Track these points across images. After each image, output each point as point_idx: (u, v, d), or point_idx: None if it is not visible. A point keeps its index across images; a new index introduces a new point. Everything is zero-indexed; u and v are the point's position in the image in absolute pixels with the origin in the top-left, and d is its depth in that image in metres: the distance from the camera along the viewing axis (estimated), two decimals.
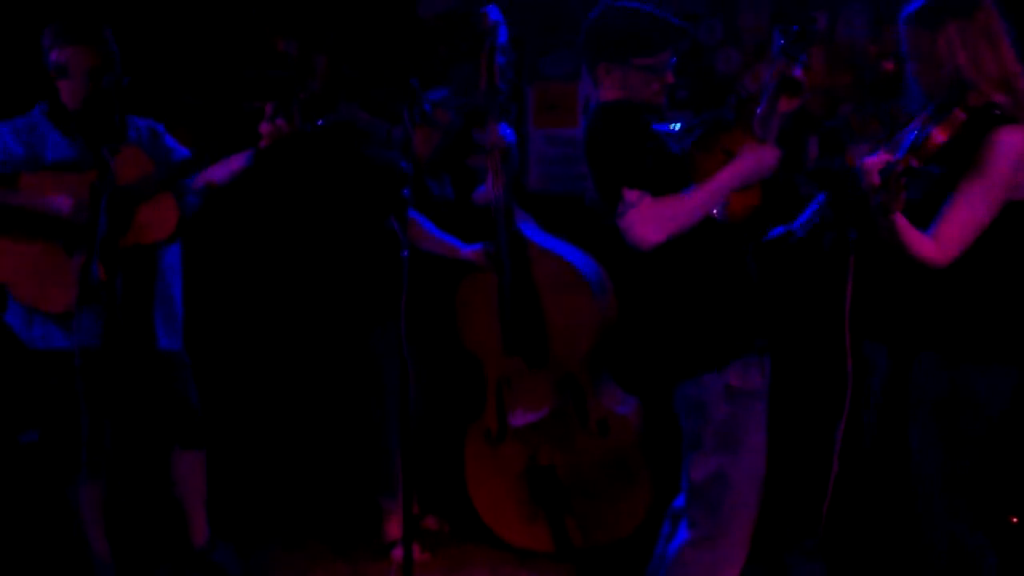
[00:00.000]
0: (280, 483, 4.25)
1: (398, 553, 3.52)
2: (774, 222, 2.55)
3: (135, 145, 3.12)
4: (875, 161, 2.22)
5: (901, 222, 2.24)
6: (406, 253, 2.77)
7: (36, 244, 2.95)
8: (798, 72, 2.37)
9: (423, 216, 3.47)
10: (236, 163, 3.19)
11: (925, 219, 2.32)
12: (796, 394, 3.59)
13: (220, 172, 3.19)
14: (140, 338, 3.20)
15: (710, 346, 2.41)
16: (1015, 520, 3.29)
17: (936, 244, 2.28)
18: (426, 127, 3.52)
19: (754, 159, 2.35)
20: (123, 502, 3.35)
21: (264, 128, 3.00)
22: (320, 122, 3.06)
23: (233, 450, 4.25)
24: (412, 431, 2.78)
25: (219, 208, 3.90)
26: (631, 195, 2.26)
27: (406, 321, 2.74)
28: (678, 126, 2.57)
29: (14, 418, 3.74)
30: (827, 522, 2.52)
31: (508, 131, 3.34)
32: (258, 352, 4.43)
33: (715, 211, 2.34)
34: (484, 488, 3.62)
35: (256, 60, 3.03)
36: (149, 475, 3.46)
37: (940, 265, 2.30)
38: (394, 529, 3.61)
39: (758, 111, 2.44)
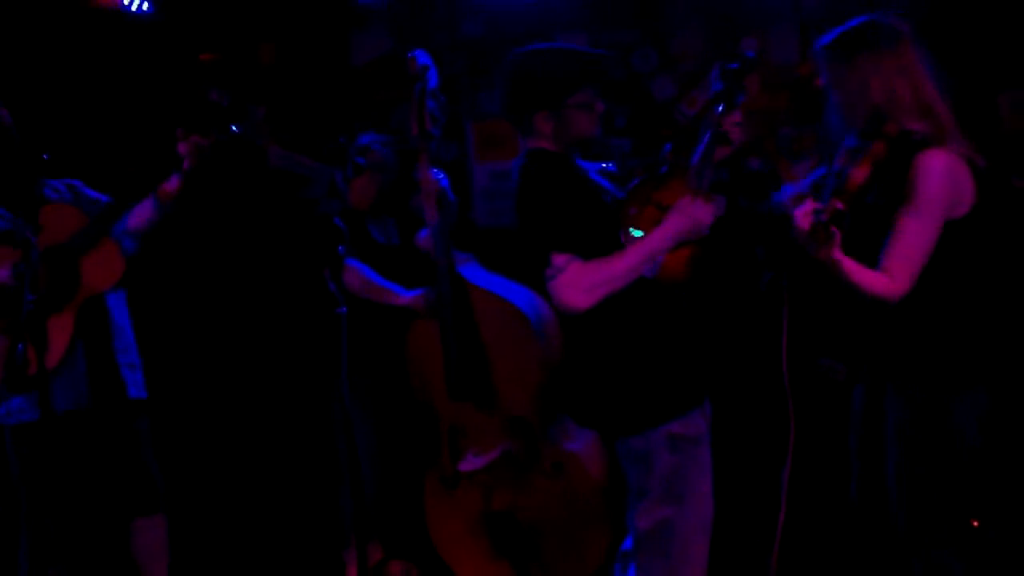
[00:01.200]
0: (242, 538, 4.19)
1: None
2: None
3: (60, 202, 3.07)
4: (804, 211, 2.18)
5: (847, 263, 2.22)
6: (344, 310, 2.74)
7: None
8: (734, 119, 2.36)
9: (364, 265, 3.43)
10: (167, 188, 3.09)
11: (871, 250, 2.30)
12: (748, 432, 3.59)
13: (148, 206, 3.11)
14: (108, 388, 3.15)
15: (652, 403, 2.38)
16: (976, 523, 3.30)
17: (889, 279, 2.26)
18: (364, 175, 3.49)
19: (687, 217, 2.31)
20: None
21: (182, 148, 2.96)
22: (235, 128, 3.00)
23: (194, 508, 4.19)
24: (363, 484, 2.74)
25: (163, 256, 3.87)
26: (559, 259, 2.24)
27: (355, 374, 2.71)
28: (611, 165, 2.55)
29: None
30: (779, 563, 2.50)
31: (441, 175, 3.28)
32: (218, 404, 4.38)
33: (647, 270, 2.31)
34: (445, 533, 3.57)
35: (186, 122, 2.98)
36: (106, 548, 3.39)
37: (895, 299, 2.28)
38: None
39: (692, 161, 2.40)
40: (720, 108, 2.41)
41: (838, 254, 2.18)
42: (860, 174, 2.18)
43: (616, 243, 2.32)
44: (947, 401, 2.35)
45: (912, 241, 2.26)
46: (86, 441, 3.12)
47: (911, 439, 2.38)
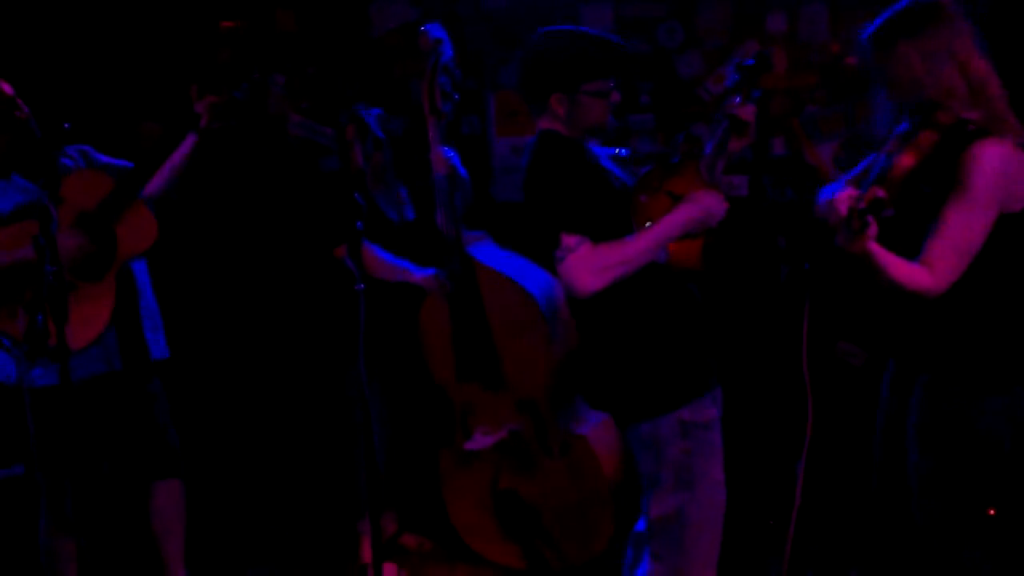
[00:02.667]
0: (258, 510, 4.21)
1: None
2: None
3: (80, 169, 3.07)
4: (842, 196, 2.12)
5: (883, 256, 2.12)
6: (362, 287, 2.73)
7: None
8: (748, 112, 2.32)
9: (375, 244, 3.41)
10: (181, 151, 3.09)
11: (913, 242, 2.21)
12: (764, 422, 3.56)
13: (169, 167, 3.11)
14: (135, 353, 3.18)
15: (662, 389, 2.37)
16: (992, 512, 3.26)
17: (930, 272, 2.16)
18: (382, 149, 3.46)
19: (700, 207, 2.30)
20: (97, 543, 3.30)
21: (199, 107, 2.95)
22: (245, 85, 2.98)
23: (211, 479, 4.23)
24: (378, 456, 2.75)
25: (185, 227, 3.87)
26: (569, 240, 2.21)
27: (371, 351, 2.71)
28: (623, 151, 2.52)
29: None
30: (793, 552, 2.49)
31: (451, 152, 3.26)
32: (234, 378, 4.39)
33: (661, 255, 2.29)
34: (459, 508, 3.60)
35: (199, 81, 2.97)
36: (124, 515, 3.42)
37: (933, 294, 2.18)
38: (367, 552, 3.59)
39: (706, 151, 2.38)
40: (736, 100, 2.39)
41: (873, 246, 2.08)
42: (905, 162, 2.11)
43: (626, 228, 2.29)
44: (979, 401, 2.27)
45: (956, 235, 2.16)
46: (109, 404, 3.15)
47: (937, 436, 2.31)
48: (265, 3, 4.24)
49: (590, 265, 2.21)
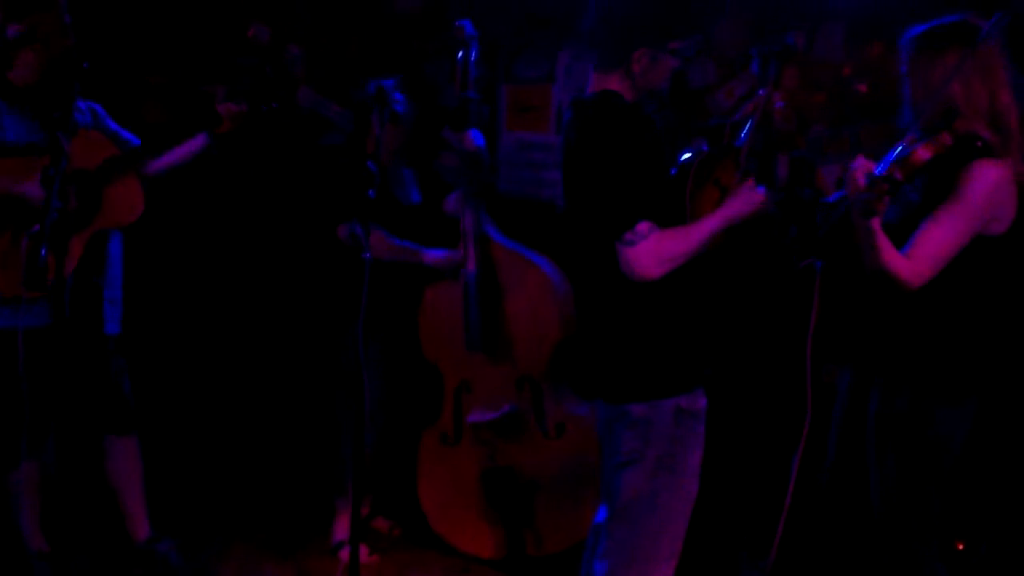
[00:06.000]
0: (232, 480, 4.18)
1: (345, 553, 3.48)
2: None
3: (92, 128, 3.06)
4: (862, 164, 2.24)
5: (880, 236, 2.26)
6: (368, 255, 2.74)
7: None
8: (778, 103, 2.36)
9: (381, 227, 3.43)
10: (190, 147, 3.18)
11: (901, 244, 2.34)
12: (758, 414, 3.59)
13: (174, 156, 3.17)
14: (89, 321, 3.16)
15: (667, 374, 2.37)
16: (960, 547, 3.31)
17: (909, 263, 2.30)
18: (396, 124, 3.48)
19: (746, 199, 2.35)
20: (62, 497, 3.25)
21: (222, 109, 2.97)
22: (275, 104, 3.01)
23: (186, 445, 4.19)
24: (367, 434, 2.75)
25: (182, 198, 3.85)
26: (643, 227, 2.20)
27: (368, 329, 2.72)
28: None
29: None
30: (781, 544, 2.51)
31: (479, 136, 3.39)
32: (216, 347, 4.36)
33: None
34: (436, 493, 3.60)
35: (225, 46, 2.99)
36: (87, 470, 3.38)
37: (910, 285, 2.31)
38: (342, 530, 3.57)
39: (737, 144, 2.40)
40: (762, 92, 2.44)
41: (877, 223, 2.23)
42: (924, 153, 2.23)
43: (678, 213, 2.32)
44: (930, 409, 2.39)
45: (941, 235, 2.30)
46: (58, 356, 3.06)
47: (889, 436, 2.43)
48: None
49: (658, 255, 2.22)
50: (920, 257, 2.30)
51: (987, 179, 2.29)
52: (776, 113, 2.41)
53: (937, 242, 2.30)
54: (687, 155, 2.44)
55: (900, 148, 2.30)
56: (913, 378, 2.41)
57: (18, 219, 2.92)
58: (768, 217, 2.38)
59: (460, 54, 3.30)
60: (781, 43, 2.46)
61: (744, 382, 3.62)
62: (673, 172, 2.43)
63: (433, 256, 3.47)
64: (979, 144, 2.29)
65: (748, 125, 2.41)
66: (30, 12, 2.95)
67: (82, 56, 2.87)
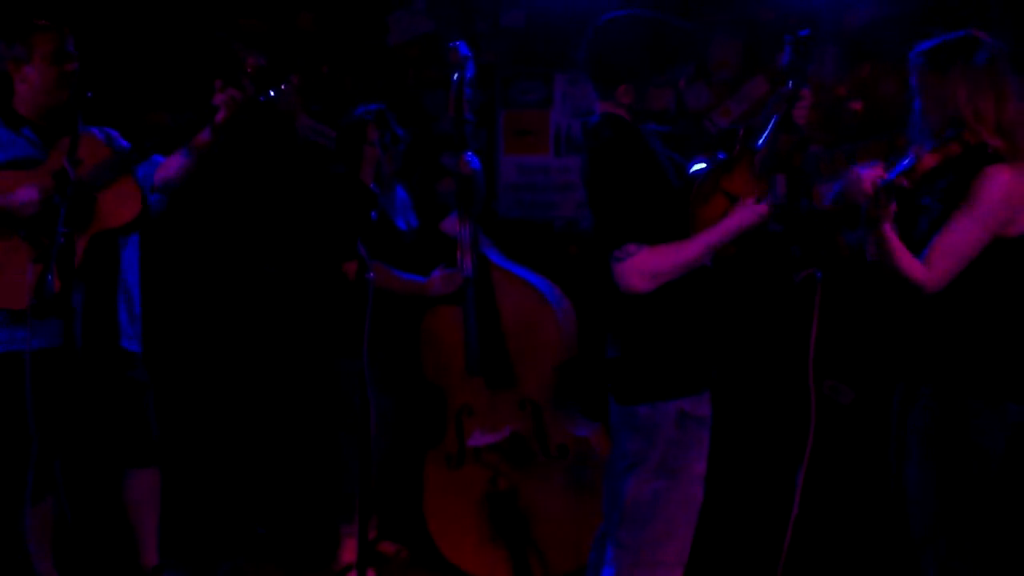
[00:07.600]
0: (238, 506, 4.18)
1: None
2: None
3: (91, 134, 3.06)
4: (869, 172, 2.30)
5: (894, 241, 2.33)
6: (372, 275, 2.76)
7: None
8: (804, 99, 2.38)
9: (383, 261, 3.45)
10: (199, 139, 3.09)
11: (916, 245, 2.40)
12: (769, 428, 3.60)
13: (179, 158, 3.11)
14: (103, 333, 3.13)
15: (671, 376, 2.40)
16: None
17: (925, 267, 2.36)
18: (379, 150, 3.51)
19: (751, 212, 2.38)
20: (72, 524, 3.24)
21: (218, 99, 2.96)
22: (272, 93, 3.02)
23: (192, 471, 4.19)
24: (372, 457, 2.76)
25: (186, 217, 3.87)
26: (632, 247, 2.29)
27: (372, 353, 2.73)
28: (665, 127, 2.54)
29: None
30: (787, 561, 2.51)
31: (475, 159, 3.39)
32: (222, 372, 4.36)
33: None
34: (442, 515, 3.59)
35: (225, 76, 3.00)
36: (99, 495, 3.37)
37: (928, 289, 2.38)
38: (349, 554, 3.56)
39: (757, 146, 2.42)
40: (790, 84, 2.41)
41: (888, 228, 2.30)
42: (930, 161, 2.28)
43: (682, 226, 2.35)
44: (971, 413, 2.40)
45: (957, 239, 2.37)
46: (65, 381, 3.07)
47: (931, 445, 2.44)
48: (286, 2, 4.30)
49: (645, 271, 2.30)
50: (935, 261, 2.36)
51: (999, 182, 2.36)
52: (801, 110, 2.38)
53: (950, 246, 2.37)
54: (699, 165, 2.47)
55: (909, 159, 2.35)
56: (954, 381, 2.43)
57: (10, 227, 2.93)
58: (769, 233, 2.41)
59: (455, 76, 3.31)
60: (807, 31, 2.41)
61: (748, 392, 3.63)
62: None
63: (436, 287, 3.48)
64: (990, 152, 2.36)
65: (771, 123, 2.39)
66: (33, 31, 2.98)
67: (85, 86, 2.90)
